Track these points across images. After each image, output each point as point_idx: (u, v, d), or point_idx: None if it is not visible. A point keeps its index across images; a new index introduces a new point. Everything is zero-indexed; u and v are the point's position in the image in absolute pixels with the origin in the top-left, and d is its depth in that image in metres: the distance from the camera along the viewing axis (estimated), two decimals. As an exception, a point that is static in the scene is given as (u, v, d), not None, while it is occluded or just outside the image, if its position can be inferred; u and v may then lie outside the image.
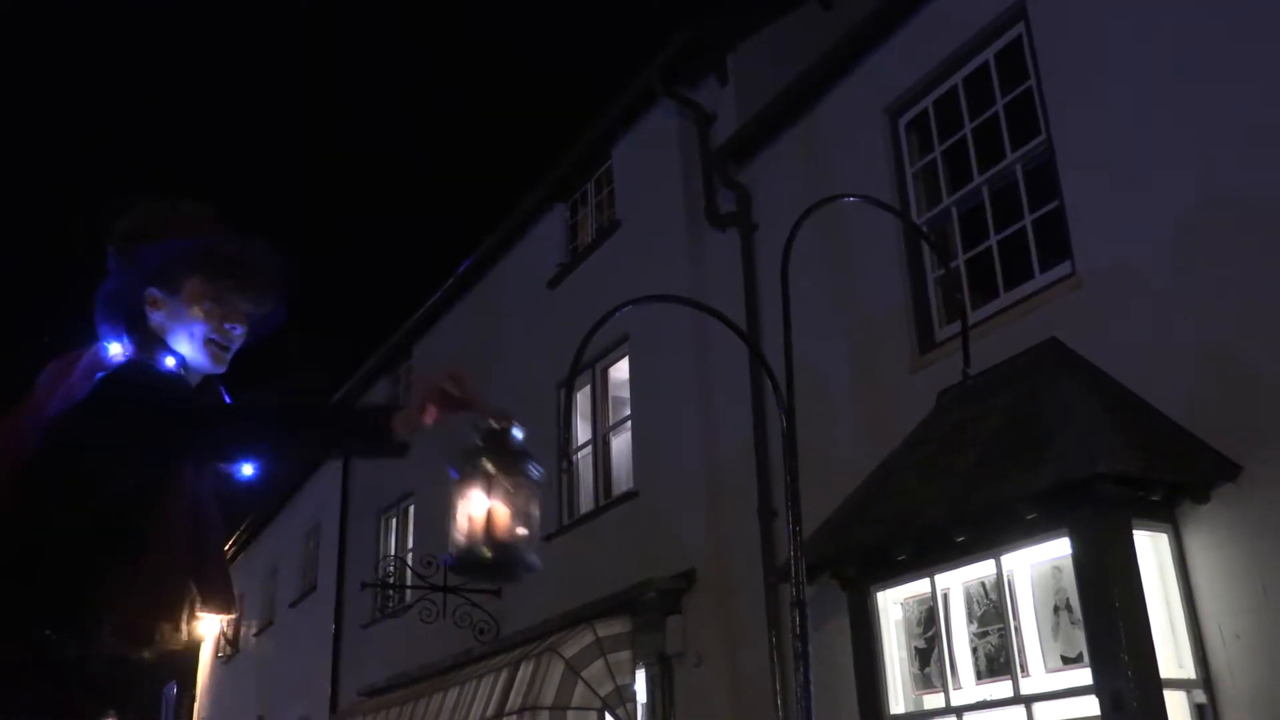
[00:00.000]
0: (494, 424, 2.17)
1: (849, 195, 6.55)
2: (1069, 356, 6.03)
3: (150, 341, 2.30)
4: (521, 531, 2.25)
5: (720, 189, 9.28)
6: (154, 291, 2.31)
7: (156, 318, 2.32)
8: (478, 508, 2.15)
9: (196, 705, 26.18)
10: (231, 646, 23.20)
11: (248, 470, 2.48)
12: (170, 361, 2.29)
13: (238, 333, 2.37)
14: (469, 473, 2.17)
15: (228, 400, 2.48)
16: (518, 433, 2.23)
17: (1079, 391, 5.69)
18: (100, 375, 2.21)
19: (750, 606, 7.99)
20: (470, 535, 2.16)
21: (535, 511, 2.21)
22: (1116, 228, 6.04)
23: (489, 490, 2.14)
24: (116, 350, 2.28)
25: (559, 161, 11.80)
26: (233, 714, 22.08)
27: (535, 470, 2.21)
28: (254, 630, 21.52)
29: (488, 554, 2.14)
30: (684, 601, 8.76)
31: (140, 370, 2.24)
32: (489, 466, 2.13)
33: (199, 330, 2.32)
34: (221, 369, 2.39)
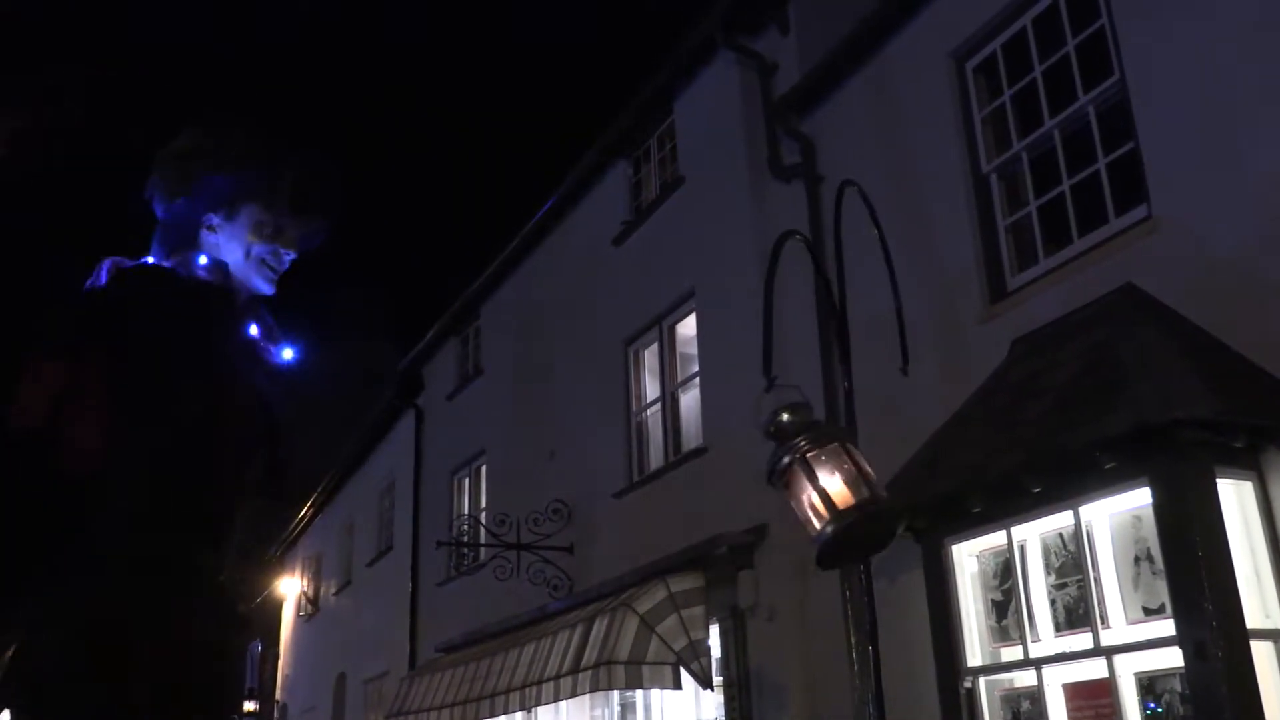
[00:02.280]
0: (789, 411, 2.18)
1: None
2: (1146, 301, 5.89)
3: (190, 252, 2.37)
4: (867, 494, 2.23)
5: (784, 140, 9.17)
6: (213, 219, 2.38)
7: (211, 240, 2.39)
8: (819, 491, 2.15)
9: (280, 662, 26.92)
10: (312, 605, 23.78)
11: (288, 354, 2.52)
12: (203, 260, 2.34)
13: (289, 258, 2.45)
14: (787, 466, 2.18)
15: (270, 322, 2.53)
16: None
17: (1156, 337, 5.57)
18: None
19: (822, 560, 7.97)
20: (827, 517, 2.16)
21: (863, 463, 2.18)
22: (1195, 167, 5.87)
23: (819, 472, 2.15)
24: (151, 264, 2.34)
25: (621, 117, 11.73)
26: (315, 670, 22.67)
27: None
28: (333, 590, 22.02)
29: (840, 527, 2.13)
30: (756, 556, 8.78)
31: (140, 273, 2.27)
32: (806, 450, 2.13)
33: (255, 252, 2.39)
34: (271, 291, 2.45)
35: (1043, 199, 7.00)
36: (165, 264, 2.31)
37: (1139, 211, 6.23)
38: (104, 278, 2.27)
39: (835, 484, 2.17)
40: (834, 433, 2.16)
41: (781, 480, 2.19)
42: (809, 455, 2.14)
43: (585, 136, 12.47)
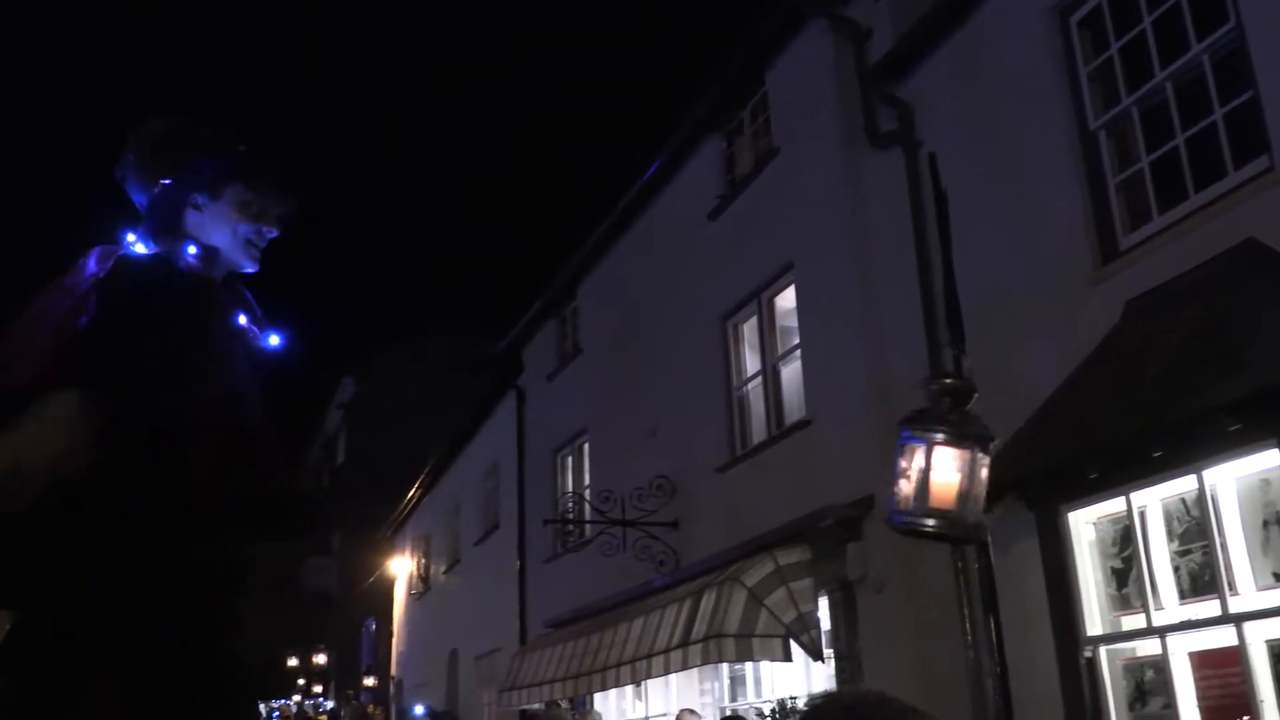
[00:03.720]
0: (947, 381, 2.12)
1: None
2: (1267, 257, 5.66)
3: (177, 238, 2.43)
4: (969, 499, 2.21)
5: (880, 107, 9.01)
6: (198, 198, 2.46)
7: (196, 218, 2.46)
8: (926, 473, 2.14)
9: (394, 639, 27.61)
10: (423, 584, 24.32)
11: (274, 341, 2.57)
12: (192, 250, 2.42)
13: (270, 235, 2.54)
14: (913, 440, 2.16)
15: (250, 298, 2.60)
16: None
17: (1278, 294, 5.35)
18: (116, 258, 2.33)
19: (932, 531, 7.87)
20: (915, 500, 2.16)
21: (982, 475, 2.19)
22: (1319, 115, 5.61)
23: (938, 464, 2.14)
24: (140, 249, 2.37)
25: (711, 90, 11.66)
26: (427, 647, 23.20)
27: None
28: (442, 568, 22.47)
29: (929, 525, 2.16)
30: (863, 527, 8.71)
31: (152, 265, 2.33)
32: (941, 442, 2.13)
33: (241, 231, 2.47)
34: (255, 268, 2.55)
35: (1155, 154, 6.77)
36: (161, 253, 2.36)
37: (1260, 163, 5.99)
38: (94, 264, 2.33)
39: (944, 482, 2.14)
40: (976, 437, 2.13)
41: (915, 439, 2.16)
42: (939, 444, 2.10)
43: (677, 112, 12.42)
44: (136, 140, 2.49)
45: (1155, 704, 5.77)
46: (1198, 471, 5.39)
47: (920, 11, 8.64)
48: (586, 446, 15.07)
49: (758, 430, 10.82)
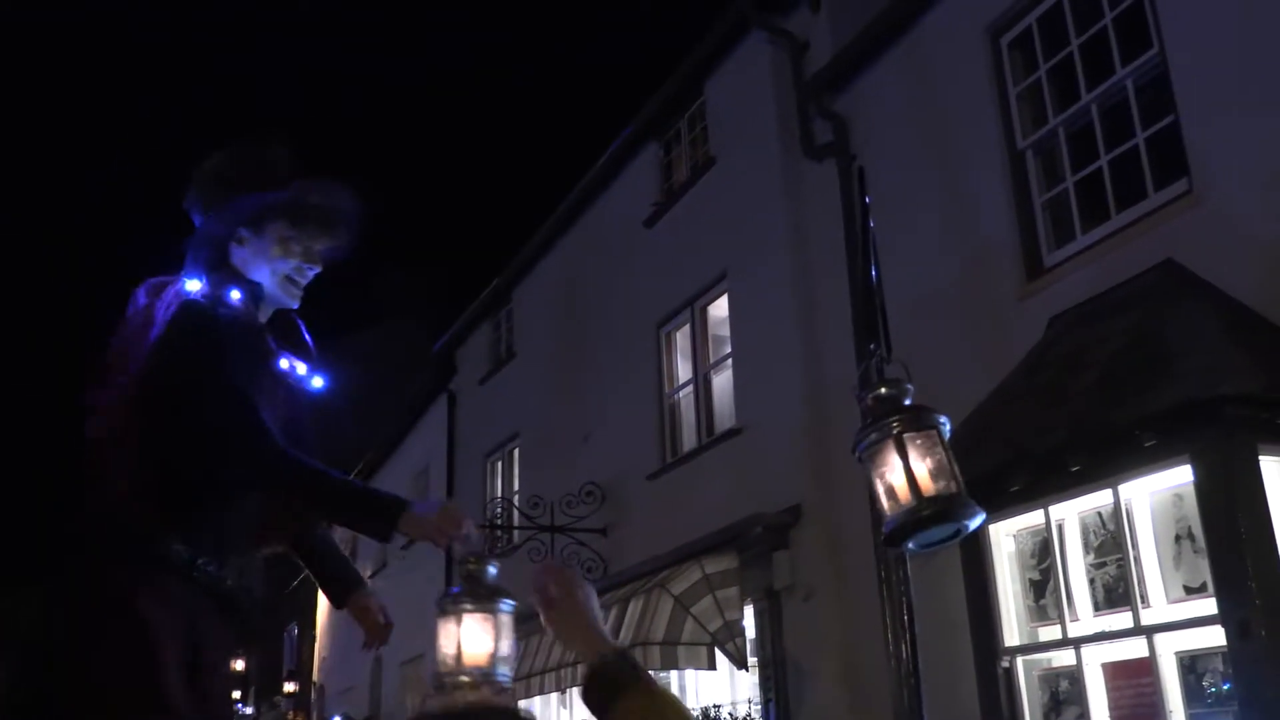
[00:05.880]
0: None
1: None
2: (1187, 278, 5.81)
3: (224, 278, 2.44)
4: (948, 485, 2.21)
5: (816, 119, 9.09)
6: (242, 232, 2.48)
7: (240, 254, 2.48)
8: (898, 474, 2.13)
9: (317, 645, 27.20)
10: (349, 588, 23.95)
11: (318, 383, 2.61)
12: (235, 295, 2.42)
13: (312, 273, 2.56)
14: (876, 441, 2.14)
15: (303, 333, 2.63)
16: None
17: (1200, 312, 5.49)
18: (170, 314, 2.34)
19: (858, 540, 7.94)
20: (907, 501, 2.14)
21: (950, 455, 2.17)
22: (1237, 140, 5.77)
23: (908, 454, 2.13)
24: (194, 286, 2.40)
25: (651, 99, 11.69)
26: (352, 652, 22.85)
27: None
28: (369, 573, 22.17)
29: (927, 511, 2.14)
30: (791, 536, 8.76)
31: (196, 322, 2.33)
32: (899, 430, 2.11)
33: (280, 268, 2.49)
34: (295, 304, 2.56)
35: (1080, 174, 6.91)
36: (205, 298, 2.37)
37: (1179, 185, 6.14)
38: (143, 297, 2.38)
39: (921, 470, 2.14)
40: (931, 420, 2.14)
41: (867, 454, 2.17)
42: (902, 436, 2.11)
43: (617, 119, 12.44)
44: (198, 177, 2.52)
45: (1069, 714, 5.86)
46: (1114, 486, 5.49)
47: (858, 26, 8.75)
48: (517, 451, 14.99)
49: (688, 438, 10.84)
